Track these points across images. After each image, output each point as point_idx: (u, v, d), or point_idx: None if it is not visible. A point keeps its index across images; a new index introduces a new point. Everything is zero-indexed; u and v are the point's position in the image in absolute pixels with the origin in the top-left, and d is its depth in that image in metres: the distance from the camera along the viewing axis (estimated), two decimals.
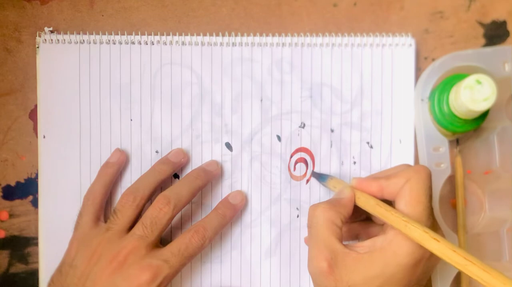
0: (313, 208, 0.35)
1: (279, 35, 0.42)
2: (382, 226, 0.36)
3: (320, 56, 0.43)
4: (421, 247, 0.32)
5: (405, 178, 0.34)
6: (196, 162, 0.42)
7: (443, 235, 0.35)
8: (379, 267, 0.32)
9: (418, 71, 0.43)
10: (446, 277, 0.41)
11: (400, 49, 0.43)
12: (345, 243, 0.34)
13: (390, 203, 0.35)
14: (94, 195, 0.40)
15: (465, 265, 0.29)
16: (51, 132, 0.41)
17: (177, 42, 0.42)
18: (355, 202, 0.36)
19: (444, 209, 0.43)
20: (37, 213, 0.41)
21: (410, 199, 0.33)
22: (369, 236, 0.39)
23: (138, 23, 0.42)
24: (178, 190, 0.39)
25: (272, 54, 0.42)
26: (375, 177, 0.36)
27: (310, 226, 0.35)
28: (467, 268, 0.29)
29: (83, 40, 0.41)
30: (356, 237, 0.40)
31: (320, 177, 0.42)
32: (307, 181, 0.43)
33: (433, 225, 0.34)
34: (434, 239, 0.30)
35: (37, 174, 0.41)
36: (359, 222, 0.40)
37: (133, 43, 0.42)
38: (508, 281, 0.27)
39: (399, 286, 0.33)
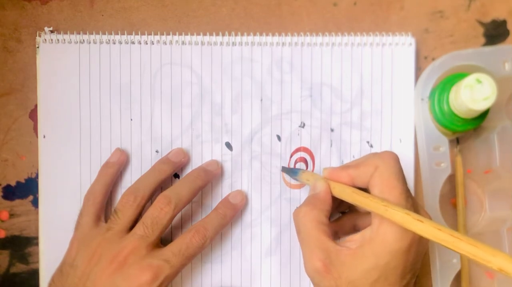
0: (296, 213, 0.35)
1: (279, 34, 0.42)
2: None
3: (320, 56, 0.43)
4: (408, 230, 0.31)
5: (373, 166, 0.34)
6: (196, 162, 0.42)
7: (428, 216, 0.35)
8: (372, 259, 0.32)
9: (418, 70, 0.43)
10: (446, 277, 0.41)
11: (400, 49, 0.43)
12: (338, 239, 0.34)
13: (366, 190, 0.35)
14: (94, 195, 0.40)
15: (452, 242, 0.28)
16: (51, 132, 0.41)
17: (177, 42, 0.42)
18: (331, 193, 0.36)
19: (445, 209, 0.43)
20: (37, 213, 0.41)
21: (382, 186, 0.33)
22: (365, 225, 0.38)
23: (138, 23, 0.42)
24: (179, 190, 0.39)
25: (272, 54, 0.42)
26: (345, 166, 0.36)
27: (298, 231, 0.35)
28: (454, 244, 0.28)
29: (83, 40, 0.41)
30: (354, 228, 0.40)
31: (291, 172, 0.41)
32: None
33: (414, 206, 0.34)
34: (418, 220, 0.30)
35: (37, 174, 0.41)
36: (352, 212, 0.40)
37: (133, 43, 0.42)
38: (496, 252, 0.27)
39: (396, 275, 0.33)
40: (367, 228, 0.34)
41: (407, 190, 0.34)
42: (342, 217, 0.40)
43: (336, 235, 0.40)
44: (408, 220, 0.30)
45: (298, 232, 0.35)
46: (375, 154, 0.36)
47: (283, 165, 0.42)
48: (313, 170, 0.43)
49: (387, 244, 0.32)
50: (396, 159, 0.34)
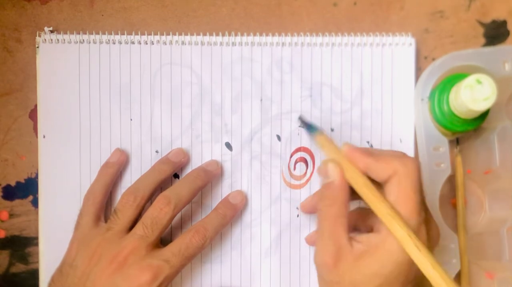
0: (319, 207, 0.34)
1: (279, 34, 0.42)
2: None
3: (320, 56, 0.43)
4: None
5: (392, 168, 0.33)
6: (196, 162, 0.42)
7: (437, 230, 0.35)
8: (376, 267, 0.32)
9: (418, 70, 0.43)
10: None
11: (400, 49, 0.43)
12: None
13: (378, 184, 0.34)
14: (94, 195, 0.40)
15: (439, 285, 0.29)
16: (51, 132, 0.41)
17: (177, 42, 0.42)
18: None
19: (444, 209, 0.43)
20: (37, 213, 0.41)
21: (399, 196, 0.32)
22: (367, 226, 0.37)
23: (138, 23, 0.42)
24: (179, 190, 0.39)
25: (272, 54, 0.42)
26: (366, 152, 0.34)
27: (318, 222, 0.35)
28: None
29: (83, 40, 0.41)
30: (354, 228, 0.39)
31: (308, 128, 0.38)
32: (307, 180, 0.43)
33: (426, 220, 0.33)
34: (416, 246, 0.30)
35: (37, 174, 0.41)
36: (358, 210, 0.39)
37: (133, 43, 0.42)
38: None
39: (398, 283, 0.33)
40: (374, 233, 0.33)
41: (422, 203, 0.33)
42: (359, 208, 0.39)
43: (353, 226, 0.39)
44: (407, 241, 0.30)
45: (318, 223, 0.35)
46: (398, 155, 0.34)
47: (302, 114, 0.39)
48: (313, 170, 0.43)
49: (393, 254, 0.32)
50: (417, 168, 0.33)
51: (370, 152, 0.34)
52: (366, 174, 0.34)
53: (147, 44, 0.42)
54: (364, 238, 0.33)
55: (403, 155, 0.34)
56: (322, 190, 0.35)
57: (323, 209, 0.34)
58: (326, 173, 0.34)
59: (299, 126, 0.39)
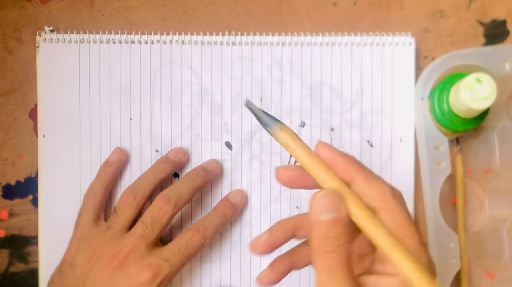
0: (333, 243, 0.27)
1: (279, 34, 0.42)
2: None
3: (320, 55, 0.43)
4: None
5: (382, 197, 0.27)
6: (196, 161, 0.42)
7: (434, 268, 0.29)
8: None
9: (418, 70, 0.43)
10: (446, 277, 0.41)
11: (400, 48, 0.43)
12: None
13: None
14: (94, 194, 0.40)
15: None
16: (51, 131, 0.41)
17: (177, 41, 0.42)
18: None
19: (444, 208, 0.43)
20: (37, 213, 0.41)
21: (397, 232, 0.26)
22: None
23: (138, 23, 0.42)
24: (179, 189, 0.39)
25: (272, 54, 0.42)
26: (352, 163, 0.27)
27: (332, 260, 0.27)
28: None
29: (83, 39, 0.41)
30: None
31: (262, 120, 0.27)
32: None
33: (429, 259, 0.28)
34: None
35: (37, 173, 0.41)
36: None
37: (133, 42, 0.42)
38: None
39: None
40: (384, 279, 0.28)
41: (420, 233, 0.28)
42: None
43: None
44: (418, 279, 0.25)
45: (329, 265, 0.27)
46: (385, 182, 0.28)
47: (248, 99, 0.30)
48: None
49: None
50: (403, 198, 0.28)
51: (357, 164, 0.27)
52: (349, 186, 0.27)
53: (147, 43, 0.42)
54: (370, 282, 0.28)
55: (388, 183, 0.28)
56: (328, 229, 0.27)
57: (336, 250, 0.26)
58: (329, 208, 0.26)
59: (247, 107, 0.28)
